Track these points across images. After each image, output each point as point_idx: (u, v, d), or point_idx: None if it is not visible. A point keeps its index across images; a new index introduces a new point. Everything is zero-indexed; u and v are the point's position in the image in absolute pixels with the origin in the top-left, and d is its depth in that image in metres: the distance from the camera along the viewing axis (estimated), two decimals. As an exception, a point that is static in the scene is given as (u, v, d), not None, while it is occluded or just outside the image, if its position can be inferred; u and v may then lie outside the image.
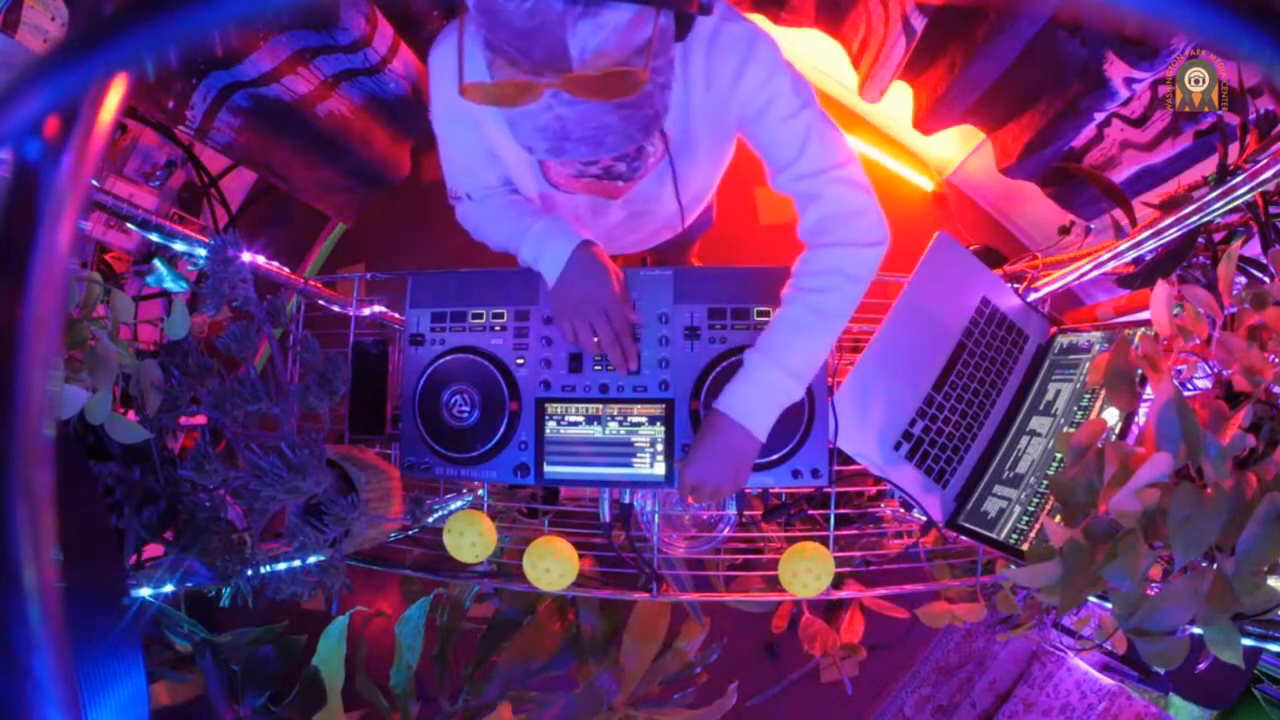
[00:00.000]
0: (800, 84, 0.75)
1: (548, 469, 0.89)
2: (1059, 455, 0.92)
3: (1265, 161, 0.75)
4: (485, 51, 0.58)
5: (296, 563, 0.82)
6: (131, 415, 0.78)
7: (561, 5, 0.51)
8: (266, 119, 1.29)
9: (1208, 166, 1.32)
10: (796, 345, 0.78)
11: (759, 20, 1.39)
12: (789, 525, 1.08)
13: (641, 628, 1.25)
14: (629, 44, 0.54)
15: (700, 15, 0.61)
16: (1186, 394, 0.70)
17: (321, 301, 1.09)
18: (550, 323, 0.90)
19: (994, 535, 0.93)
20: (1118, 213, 1.17)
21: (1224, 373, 0.73)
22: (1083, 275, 1.04)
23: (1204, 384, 0.80)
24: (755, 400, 0.78)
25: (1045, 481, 0.92)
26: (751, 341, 0.85)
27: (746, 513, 1.07)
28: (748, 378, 0.78)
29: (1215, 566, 0.62)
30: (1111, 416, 0.89)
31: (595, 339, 0.85)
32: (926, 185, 2.13)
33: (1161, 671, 1.63)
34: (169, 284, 0.89)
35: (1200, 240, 1.11)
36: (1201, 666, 0.94)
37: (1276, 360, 0.67)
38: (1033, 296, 1.08)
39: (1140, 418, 0.87)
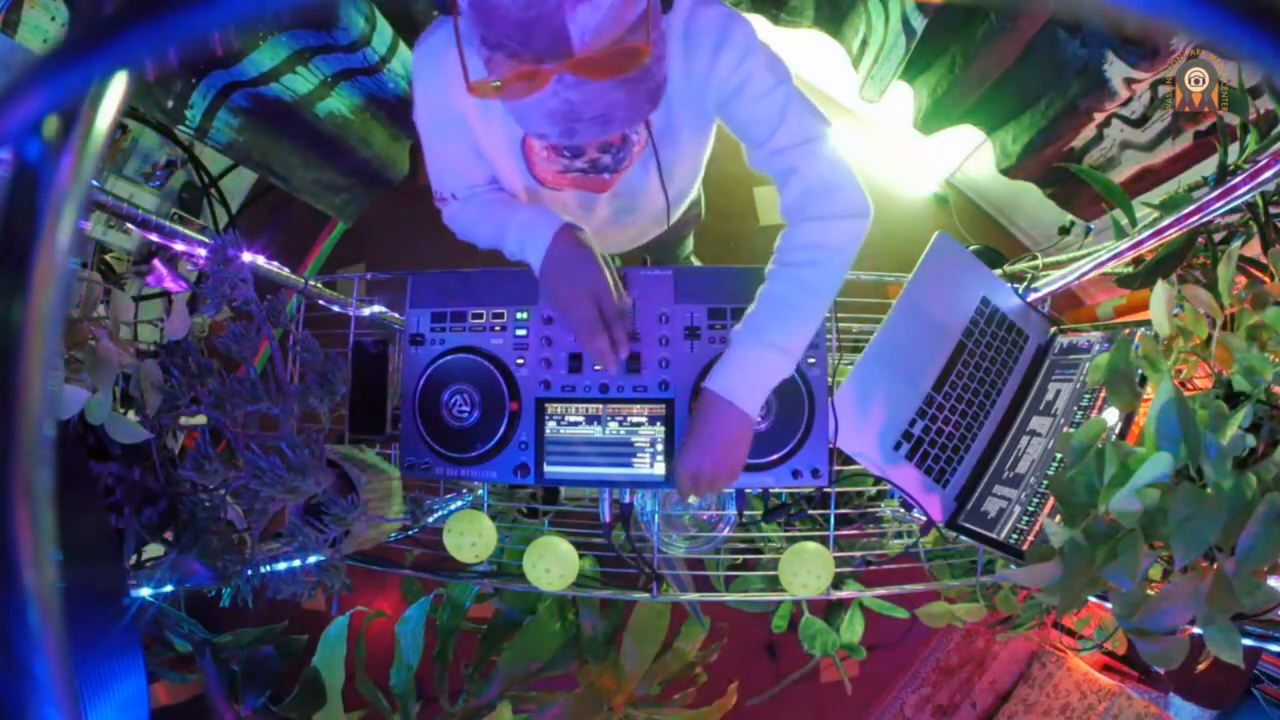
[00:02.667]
0: (775, 62, 0.75)
1: (548, 469, 0.88)
2: (1059, 455, 0.92)
3: (1265, 161, 0.75)
4: (483, 49, 0.58)
5: (296, 563, 0.82)
6: (131, 415, 0.78)
7: None
8: (266, 119, 1.29)
9: (1208, 166, 1.32)
10: (782, 321, 0.77)
11: (758, 21, 1.39)
12: (789, 525, 1.08)
13: (641, 628, 1.25)
14: (625, 19, 0.55)
15: None
16: (1186, 394, 0.70)
17: (321, 301, 1.09)
18: (551, 323, 0.90)
19: (994, 535, 0.93)
20: (1118, 213, 1.17)
21: (1224, 373, 0.73)
22: (1083, 275, 1.04)
23: (1204, 384, 0.80)
24: (744, 379, 0.77)
25: (1045, 481, 0.92)
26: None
27: (746, 513, 1.07)
28: (734, 357, 0.78)
29: (1215, 566, 0.62)
30: (1111, 416, 0.89)
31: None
32: (926, 186, 2.13)
33: (1161, 671, 1.63)
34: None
35: (1200, 240, 1.11)
36: (1201, 666, 0.94)
37: (1276, 360, 0.67)
38: (1033, 296, 1.08)
39: (1140, 418, 0.87)
